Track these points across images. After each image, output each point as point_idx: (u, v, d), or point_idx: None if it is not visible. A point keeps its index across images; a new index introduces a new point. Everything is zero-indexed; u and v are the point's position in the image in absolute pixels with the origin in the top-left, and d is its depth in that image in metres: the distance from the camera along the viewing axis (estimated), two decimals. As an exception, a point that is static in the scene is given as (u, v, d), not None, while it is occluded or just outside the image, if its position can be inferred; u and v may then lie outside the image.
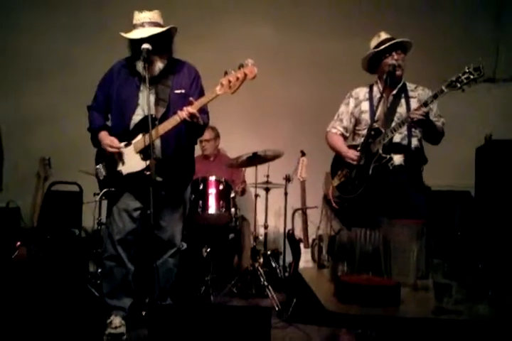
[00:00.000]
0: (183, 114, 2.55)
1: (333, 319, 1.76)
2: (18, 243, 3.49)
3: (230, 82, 2.48)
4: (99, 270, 3.52)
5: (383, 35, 2.96)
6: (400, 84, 2.97)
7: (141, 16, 2.68)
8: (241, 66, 2.48)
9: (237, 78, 2.47)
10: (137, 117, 2.72)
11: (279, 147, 3.83)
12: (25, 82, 4.56)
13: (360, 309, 1.74)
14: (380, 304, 1.77)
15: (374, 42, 2.98)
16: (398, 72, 2.90)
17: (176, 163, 2.77)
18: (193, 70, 2.84)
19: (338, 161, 3.08)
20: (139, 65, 2.67)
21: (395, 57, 2.87)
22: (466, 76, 2.59)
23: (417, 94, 2.97)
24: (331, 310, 1.72)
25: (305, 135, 4.20)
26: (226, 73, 2.51)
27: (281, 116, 4.67)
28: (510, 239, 2.23)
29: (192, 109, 2.55)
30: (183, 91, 2.74)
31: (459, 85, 2.60)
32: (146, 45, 2.58)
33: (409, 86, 3.00)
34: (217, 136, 4.24)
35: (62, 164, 4.29)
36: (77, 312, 3.07)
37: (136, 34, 2.64)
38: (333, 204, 3.05)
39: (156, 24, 2.67)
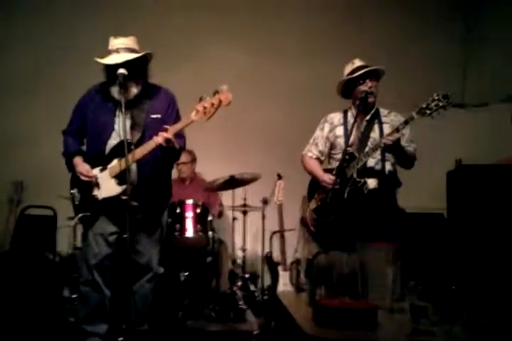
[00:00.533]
0: (159, 139, 2.56)
1: (312, 343, 1.76)
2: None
3: (205, 108, 2.50)
4: (74, 295, 3.45)
5: (357, 62, 3.04)
6: (373, 110, 3.04)
7: (115, 42, 2.70)
8: (216, 92, 2.50)
9: (212, 104, 2.49)
10: (113, 142, 2.72)
11: (256, 170, 3.87)
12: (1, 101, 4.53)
13: (338, 333, 1.76)
14: (358, 327, 1.79)
15: (348, 69, 3.06)
16: (371, 99, 2.97)
17: (152, 187, 2.77)
18: (169, 95, 2.86)
19: (315, 185, 3.12)
20: (114, 90, 2.69)
21: (369, 84, 2.95)
22: (435, 103, 2.67)
23: (390, 119, 3.04)
24: (309, 334, 1.73)
25: (282, 158, 4.25)
26: (201, 99, 2.53)
27: (257, 140, 4.73)
28: (483, 261, 2.30)
29: (168, 135, 2.56)
30: (158, 116, 2.76)
31: (428, 112, 2.68)
32: (121, 70, 2.59)
33: (382, 111, 3.08)
34: (193, 160, 4.26)
35: (36, 187, 4.24)
36: (52, 339, 2.99)
37: (110, 59, 2.66)
38: (311, 228, 3.07)
39: (131, 50, 2.69)
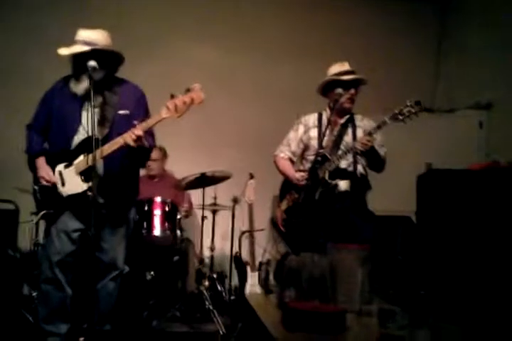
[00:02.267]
0: (130, 136, 2.47)
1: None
2: None
3: (176, 105, 2.43)
4: (34, 293, 3.34)
5: (347, 66, 3.04)
6: (348, 115, 3.08)
7: (78, 34, 2.61)
8: (188, 90, 2.44)
9: (184, 102, 2.42)
10: (79, 137, 2.63)
11: (228, 169, 3.83)
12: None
13: (307, 337, 1.74)
14: (327, 331, 1.78)
15: (335, 69, 3.04)
16: (349, 105, 3.02)
17: (118, 184, 2.69)
18: (139, 91, 2.78)
19: (287, 185, 3.12)
20: (73, 84, 2.62)
21: (352, 91, 2.99)
22: (407, 109, 2.74)
23: (363, 124, 3.08)
24: (277, 339, 1.71)
25: (254, 157, 4.22)
26: (172, 96, 2.46)
27: (229, 138, 4.68)
28: (451, 264, 2.32)
29: (138, 131, 2.47)
30: (127, 112, 2.67)
31: (400, 118, 2.75)
32: (92, 63, 2.46)
33: (357, 117, 3.12)
34: (164, 156, 4.19)
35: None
36: (10, 339, 2.90)
37: (62, 50, 2.57)
38: (281, 228, 3.06)
39: (87, 43, 2.57)
